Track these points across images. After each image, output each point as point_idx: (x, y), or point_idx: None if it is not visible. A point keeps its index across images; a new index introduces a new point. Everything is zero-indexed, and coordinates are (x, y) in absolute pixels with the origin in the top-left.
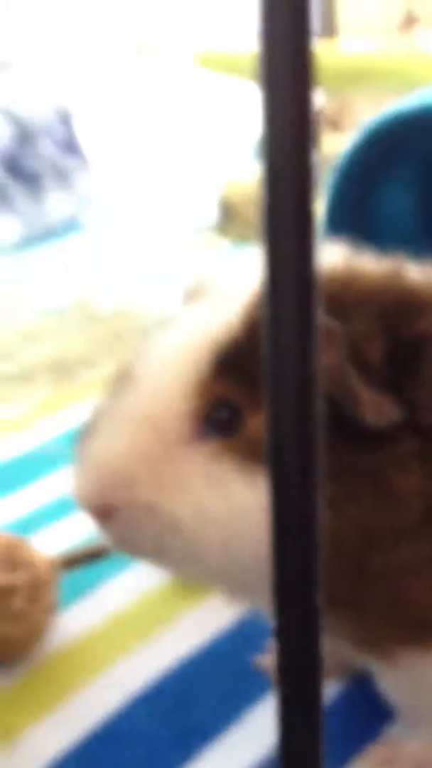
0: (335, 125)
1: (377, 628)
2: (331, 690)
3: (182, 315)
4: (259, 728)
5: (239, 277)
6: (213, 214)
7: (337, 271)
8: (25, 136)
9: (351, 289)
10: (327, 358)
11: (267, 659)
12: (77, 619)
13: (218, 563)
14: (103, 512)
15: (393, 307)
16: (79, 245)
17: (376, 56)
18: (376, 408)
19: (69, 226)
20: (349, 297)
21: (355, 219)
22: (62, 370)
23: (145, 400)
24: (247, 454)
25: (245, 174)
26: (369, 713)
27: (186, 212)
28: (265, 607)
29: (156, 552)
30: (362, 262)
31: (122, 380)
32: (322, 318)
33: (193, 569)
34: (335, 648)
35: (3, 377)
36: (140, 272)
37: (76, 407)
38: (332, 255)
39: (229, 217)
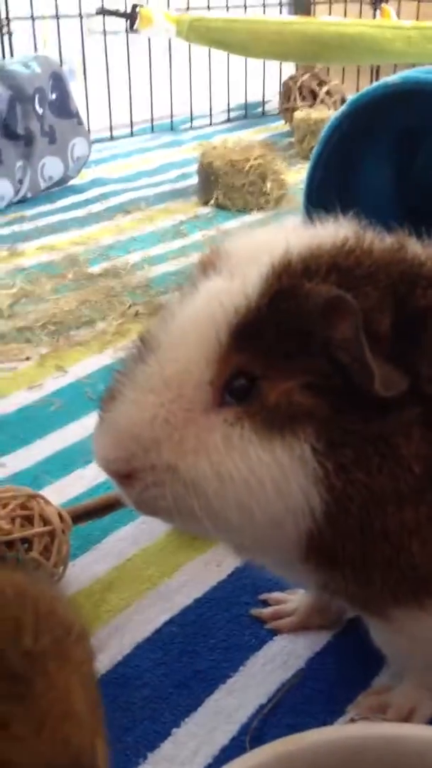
0: (312, 96)
1: (376, 588)
2: (324, 641)
3: (201, 284)
4: (258, 675)
5: (255, 246)
6: (194, 180)
7: (347, 245)
8: (19, 97)
9: (362, 264)
10: (342, 330)
11: (263, 611)
12: (85, 570)
13: (234, 523)
14: (126, 475)
15: (400, 280)
16: (70, 206)
17: (351, 28)
18: (387, 380)
19: (61, 187)
20: (360, 271)
21: (337, 186)
22: (59, 328)
23: (167, 368)
24: (265, 421)
25: (225, 139)
26: (360, 663)
27: (170, 177)
28: (271, 564)
29: (175, 512)
30: (368, 237)
31: (144, 347)
32: (336, 291)
33: (210, 528)
34: (332, 603)
35: (3, 335)
36: (127, 234)
37: (75, 364)
38: (341, 229)
39: (209, 182)
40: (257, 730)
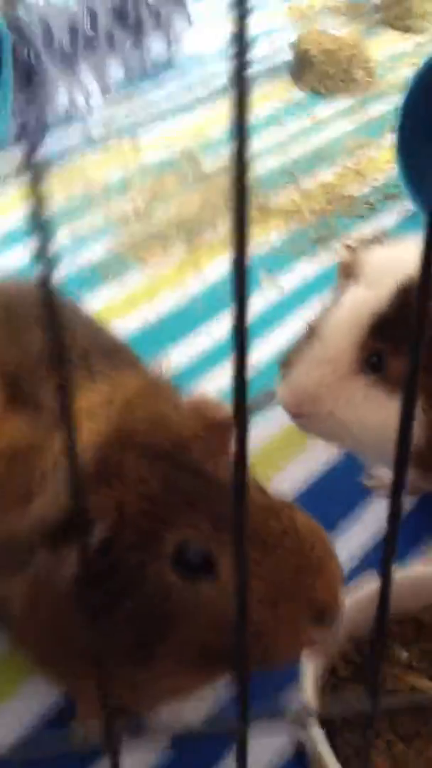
0: None
1: None
2: (416, 502)
3: (347, 290)
4: (367, 520)
5: (389, 261)
6: (288, 62)
7: None
8: None
9: None
10: None
11: (371, 480)
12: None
13: (368, 448)
14: (298, 415)
15: None
16: (175, 90)
17: None
18: None
19: (165, 65)
20: None
21: (427, 114)
22: (189, 231)
23: (326, 348)
24: (390, 386)
25: (321, 25)
26: None
27: (263, 57)
28: (385, 464)
29: (329, 439)
30: None
31: (310, 334)
32: None
33: (350, 448)
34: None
35: (144, 239)
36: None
37: (206, 267)
38: None
39: (304, 67)
40: (369, 562)
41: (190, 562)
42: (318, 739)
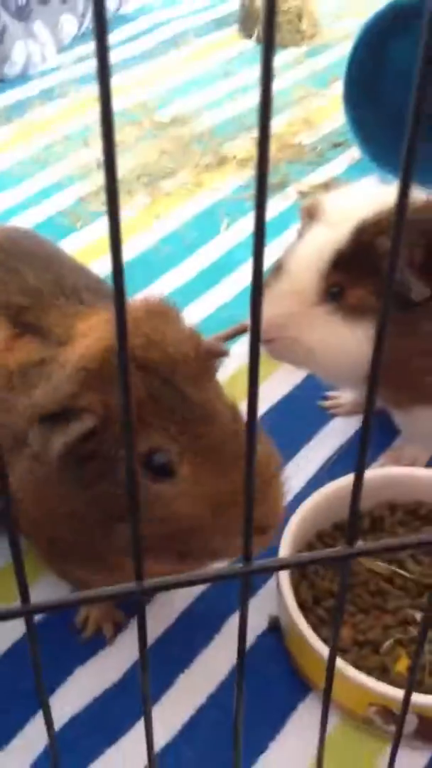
0: None
1: (403, 396)
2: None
3: (311, 229)
4: (324, 438)
5: (346, 205)
6: (235, 13)
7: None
8: None
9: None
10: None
11: (326, 402)
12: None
13: (330, 370)
14: (267, 341)
15: (428, 228)
16: (126, 40)
17: None
18: (417, 291)
19: (117, 19)
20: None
21: (373, 66)
22: (150, 179)
23: (292, 281)
24: (348, 313)
25: None
26: (386, 432)
27: (211, 7)
28: (342, 384)
29: (294, 362)
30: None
31: (277, 269)
32: (385, 241)
33: (312, 370)
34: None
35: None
36: (182, 74)
37: (168, 213)
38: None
39: (251, 18)
40: (328, 471)
41: (156, 465)
42: (287, 592)
